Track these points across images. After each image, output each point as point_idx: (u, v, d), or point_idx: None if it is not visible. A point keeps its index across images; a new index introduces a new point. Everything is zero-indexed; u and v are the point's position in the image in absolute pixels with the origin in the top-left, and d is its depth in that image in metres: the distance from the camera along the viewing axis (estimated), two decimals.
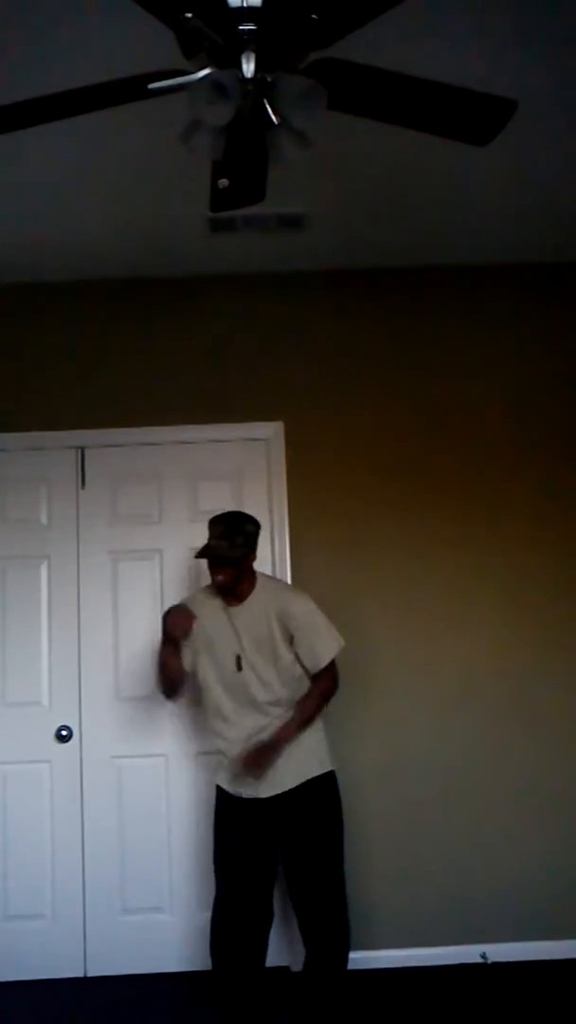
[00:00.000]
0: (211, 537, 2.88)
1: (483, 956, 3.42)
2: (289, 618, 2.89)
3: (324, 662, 2.92)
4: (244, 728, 2.90)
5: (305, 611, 2.93)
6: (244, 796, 2.88)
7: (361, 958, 3.24)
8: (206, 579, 3.58)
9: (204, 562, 3.61)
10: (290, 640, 2.90)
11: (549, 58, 2.50)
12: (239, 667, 2.89)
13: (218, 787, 3.00)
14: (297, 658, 2.91)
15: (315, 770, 2.90)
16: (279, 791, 2.86)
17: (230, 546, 2.83)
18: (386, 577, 3.65)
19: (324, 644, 2.92)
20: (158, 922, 3.49)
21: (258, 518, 3.07)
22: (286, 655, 2.90)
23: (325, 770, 2.93)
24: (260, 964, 2.90)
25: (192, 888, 3.47)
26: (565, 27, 2.38)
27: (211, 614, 2.96)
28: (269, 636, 2.88)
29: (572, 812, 3.54)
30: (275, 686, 2.89)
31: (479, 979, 3.31)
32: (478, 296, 3.86)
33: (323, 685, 2.95)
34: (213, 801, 3.03)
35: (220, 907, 2.90)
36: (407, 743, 3.56)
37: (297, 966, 3.20)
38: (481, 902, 3.47)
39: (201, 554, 2.86)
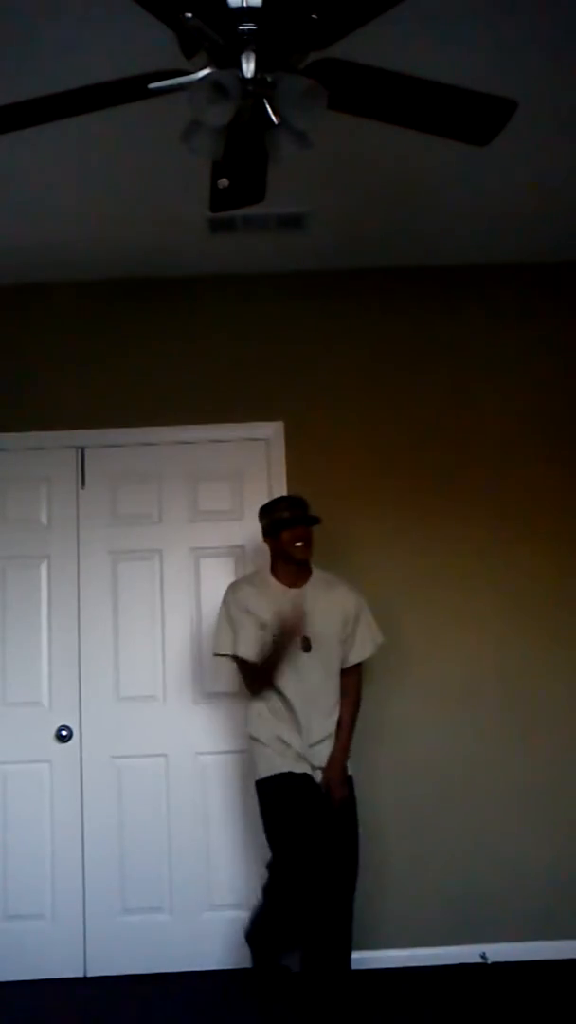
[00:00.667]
0: (287, 511, 3.01)
1: (483, 956, 3.42)
2: (348, 607, 3.06)
3: (368, 653, 3.11)
4: (305, 714, 2.96)
5: (360, 602, 3.11)
6: (315, 766, 2.96)
7: (361, 958, 3.24)
8: (206, 578, 3.61)
9: (204, 562, 3.65)
10: (343, 627, 3.04)
11: (549, 58, 2.50)
12: (307, 648, 2.97)
13: (270, 778, 2.97)
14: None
15: (258, 774, 3.02)
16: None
17: (307, 512, 3.04)
18: (386, 577, 3.64)
19: (372, 637, 3.13)
20: (158, 922, 3.49)
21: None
22: (340, 641, 3.05)
23: (259, 776, 3.02)
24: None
25: (192, 888, 3.47)
26: (565, 27, 2.38)
27: (279, 599, 3.01)
28: (333, 620, 3.02)
29: (572, 812, 3.54)
30: (332, 669, 3.03)
31: (479, 979, 3.31)
32: (478, 296, 3.86)
33: (356, 688, 3.11)
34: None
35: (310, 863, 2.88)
36: (407, 743, 3.56)
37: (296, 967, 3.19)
38: (481, 902, 3.47)
39: (309, 520, 2.99)
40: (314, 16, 1.68)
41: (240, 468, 3.73)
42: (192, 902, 3.46)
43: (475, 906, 3.46)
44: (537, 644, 3.63)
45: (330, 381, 3.78)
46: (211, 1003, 3.15)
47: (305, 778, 2.94)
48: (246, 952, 3.15)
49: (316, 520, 3.03)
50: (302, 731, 2.96)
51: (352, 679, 3.10)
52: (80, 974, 3.45)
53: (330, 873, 2.86)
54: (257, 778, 3.01)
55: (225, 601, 3.09)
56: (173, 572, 3.67)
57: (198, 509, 3.72)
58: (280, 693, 2.96)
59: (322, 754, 2.98)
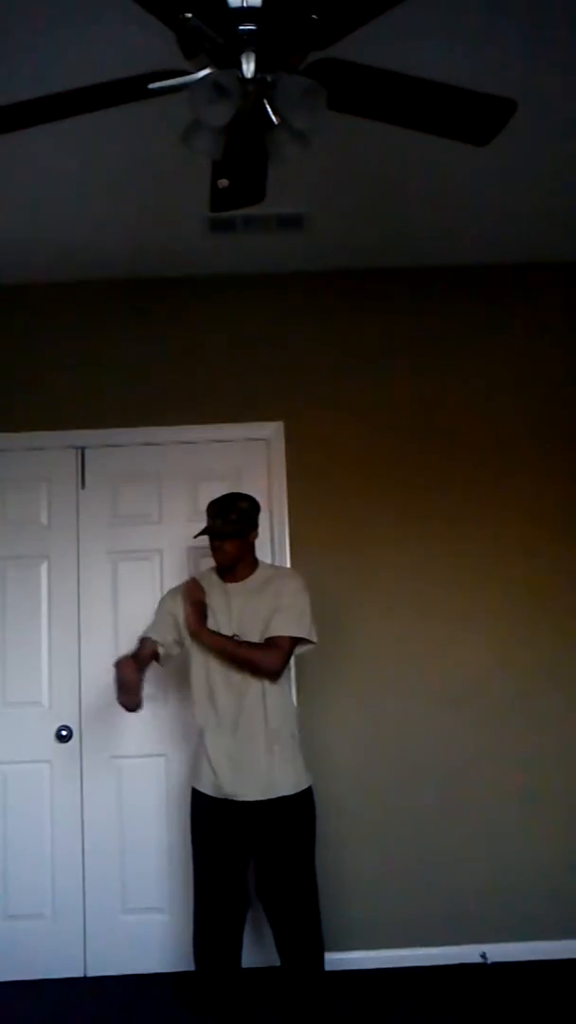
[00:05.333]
0: (208, 518, 2.91)
1: (483, 956, 3.42)
2: (279, 594, 2.86)
3: (278, 632, 2.80)
4: (229, 714, 2.81)
5: (296, 588, 2.89)
6: (236, 799, 2.78)
7: (361, 958, 3.25)
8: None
9: (204, 562, 3.63)
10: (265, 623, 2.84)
11: (549, 58, 2.50)
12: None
13: (196, 791, 2.89)
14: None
15: (305, 782, 2.84)
16: (272, 796, 2.77)
17: (224, 522, 2.87)
18: (386, 577, 3.65)
19: (292, 621, 2.82)
20: (158, 922, 3.50)
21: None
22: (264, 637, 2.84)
23: (309, 783, 2.86)
24: (239, 964, 2.88)
25: (192, 888, 3.46)
26: (565, 27, 2.38)
27: (212, 591, 2.96)
28: (263, 615, 2.84)
29: (572, 812, 3.54)
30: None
31: (479, 979, 3.31)
32: (478, 296, 3.86)
33: (267, 651, 2.79)
34: None
35: (208, 917, 2.84)
36: (407, 742, 3.56)
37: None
38: (481, 902, 3.47)
39: (200, 532, 2.90)
40: (314, 16, 1.68)
41: (240, 468, 3.73)
42: (192, 902, 3.45)
43: (475, 906, 3.47)
44: (537, 644, 3.63)
45: (330, 381, 3.78)
46: (205, 1003, 3.15)
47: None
48: (246, 952, 3.14)
49: (219, 533, 2.85)
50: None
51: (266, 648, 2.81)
52: (80, 974, 3.45)
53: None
54: (309, 784, 2.85)
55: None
56: (173, 572, 3.67)
57: (198, 509, 3.70)
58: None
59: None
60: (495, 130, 2.06)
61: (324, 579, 3.51)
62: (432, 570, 3.67)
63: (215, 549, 2.91)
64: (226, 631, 2.86)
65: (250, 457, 3.74)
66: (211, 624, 2.89)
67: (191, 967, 3.36)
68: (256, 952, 3.23)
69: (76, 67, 2.31)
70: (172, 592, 3.08)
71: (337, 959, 3.19)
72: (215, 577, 2.99)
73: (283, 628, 2.82)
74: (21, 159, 2.86)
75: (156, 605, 3.09)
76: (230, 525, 2.86)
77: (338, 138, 2.62)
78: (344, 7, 1.69)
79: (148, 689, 3.59)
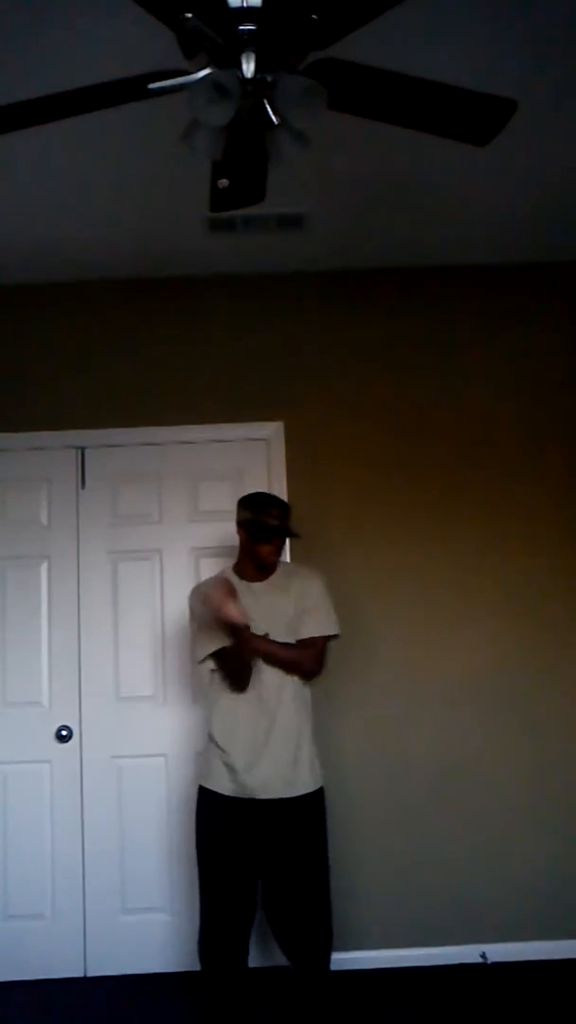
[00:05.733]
0: (271, 518, 2.87)
1: (483, 956, 3.42)
2: (306, 596, 2.90)
3: (314, 633, 2.86)
4: (263, 712, 2.79)
5: (320, 588, 2.94)
6: (257, 797, 2.76)
7: (361, 958, 3.24)
8: (206, 578, 3.59)
9: (204, 562, 3.65)
10: (294, 618, 2.87)
11: (548, 58, 2.50)
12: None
13: (206, 791, 2.84)
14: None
15: (321, 779, 2.85)
16: (296, 793, 2.78)
17: (286, 522, 2.90)
18: (386, 576, 3.65)
19: (324, 620, 2.89)
20: (158, 922, 3.50)
21: None
22: (292, 632, 2.86)
23: (323, 783, 2.87)
24: (246, 965, 2.86)
25: (192, 888, 3.44)
26: (565, 27, 2.38)
27: (239, 591, 2.87)
28: (289, 613, 2.88)
29: (572, 812, 3.54)
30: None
31: (479, 979, 3.31)
32: (478, 296, 3.86)
33: (309, 653, 2.84)
34: None
35: (219, 920, 2.81)
36: (407, 742, 3.56)
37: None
38: (481, 902, 3.47)
39: (273, 534, 2.85)
40: (314, 16, 1.68)
41: (240, 468, 3.73)
42: (192, 902, 3.42)
43: (475, 906, 3.47)
44: (536, 644, 3.63)
45: (330, 381, 3.78)
46: (201, 1001, 3.15)
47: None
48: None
49: (296, 535, 2.92)
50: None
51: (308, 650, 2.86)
52: (80, 974, 3.45)
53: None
54: (321, 784, 2.86)
55: (193, 604, 2.96)
56: (173, 572, 3.68)
57: (198, 509, 3.72)
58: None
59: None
60: (495, 130, 2.06)
61: (316, 569, 3.51)
62: (432, 570, 3.67)
63: (268, 549, 2.88)
64: (255, 629, 2.82)
65: (250, 457, 3.74)
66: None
67: (191, 967, 3.35)
68: (256, 952, 3.22)
69: (76, 67, 2.31)
70: (197, 598, 2.95)
71: (337, 959, 3.16)
72: (235, 576, 2.95)
73: (317, 629, 2.87)
74: (21, 159, 2.86)
75: (194, 612, 2.93)
76: (289, 524, 2.91)
77: (338, 138, 2.62)
78: (344, 7, 1.68)
79: (148, 689, 3.62)
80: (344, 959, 3.29)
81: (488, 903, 3.47)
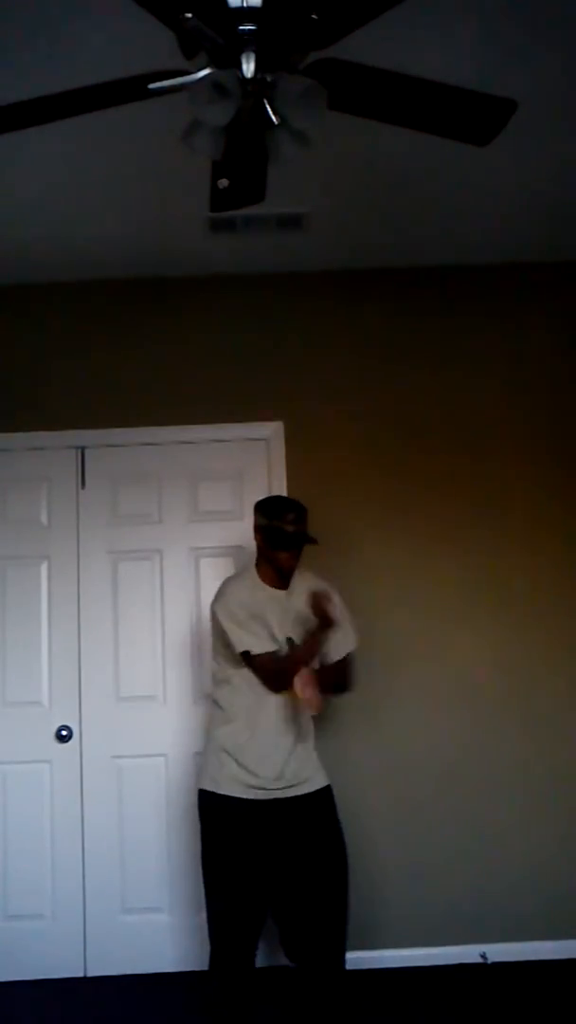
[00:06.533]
0: (292, 524, 2.84)
1: (483, 956, 3.42)
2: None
3: (345, 651, 2.96)
4: (290, 715, 2.82)
5: (341, 602, 2.97)
6: (281, 797, 2.77)
7: (361, 958, 3.24)
8: (206, 578, 3.60)
9: (204, 562, 3.65)
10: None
11: (549, 58, 2.50)
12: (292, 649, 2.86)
13: (216, 796, 2.80)
14: None
15: (325, 778, 2.90)
16: (316, 788, 2.84)
17: (303, 528, 2.88)
18: (386, 576, 3.65)
19: (350, 635, 2.98)
20: (158, 922, 3.50)
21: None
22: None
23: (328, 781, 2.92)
24: (254, 966, 2.85)
25: (192, 888, 3.45)
26: (565, 27, 2.38)
27: (262, 597, 2.89)
28: (308, 622, 2.86)
29: (572, 812, 3.54)
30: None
31: (479, 979, 3.31)
32: (479, 296, 3.86)
33: (349, 676, 2.98)
34: None
35: (232, 923, 2.78)
36: (406, 742, 3.56)
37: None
38: (481, 902, 3.47)
39: (291, 542, 2.83)
40: (314, 16, 1.68)
41: (240, 468, 3.73)
42: (192, 902, 3.45)
43: (475, 906, 3.47)
44: (536, 644, 3.63)
45: (330, 381, 3.78)
46: (211, 1003, 3.15)
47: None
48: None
49: (315, 541, 2.89)
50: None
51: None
52: (80, 974, 3.45)
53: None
54: (328, 783, 2.91)
55: (225, 602, 2.90)
56: (173, 572, 3.67)
57: (198, 509, 3.71)
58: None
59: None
60: (495, 130, 2.06)
61: (323, 579, 3.51)
62: (432, 570, 3.67)
63: (285, 556, 2.86)
64: (280, 636, 2.86)
65: (250, 457, 3.74)
66: (267, 630, 2.85)
67: (191, 967, 3.37)
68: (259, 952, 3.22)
69: (76, 67, 2.31)
70: (237, 592, 2.91)
71: None
72: (259, 582, 2.93)
73: (347, 647, 2.97)
74: (21, 159, 2.86)
75: (227, 611, 2.86)
76: (306, 529, 2.89)
77: (338, 138, 2.62)
78: (344, 7, 1.69)
79: (148, 689, 3.62)
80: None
81: (488, 903, 3.47)
